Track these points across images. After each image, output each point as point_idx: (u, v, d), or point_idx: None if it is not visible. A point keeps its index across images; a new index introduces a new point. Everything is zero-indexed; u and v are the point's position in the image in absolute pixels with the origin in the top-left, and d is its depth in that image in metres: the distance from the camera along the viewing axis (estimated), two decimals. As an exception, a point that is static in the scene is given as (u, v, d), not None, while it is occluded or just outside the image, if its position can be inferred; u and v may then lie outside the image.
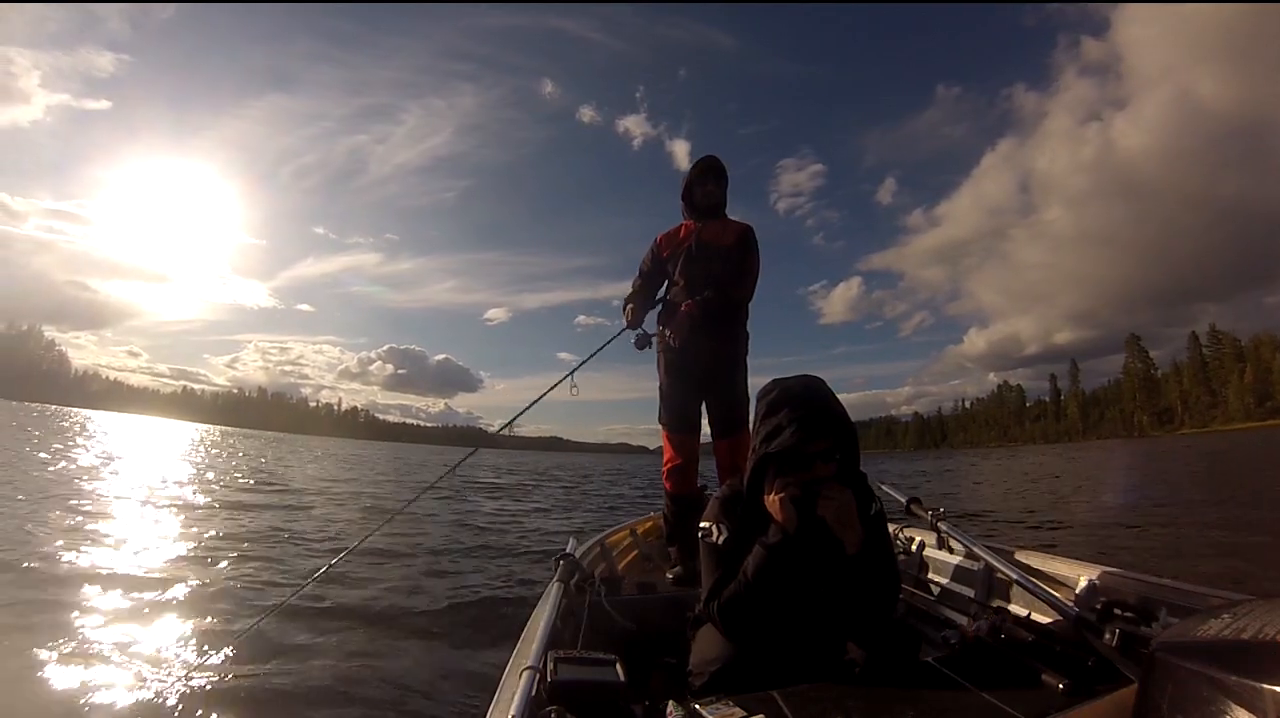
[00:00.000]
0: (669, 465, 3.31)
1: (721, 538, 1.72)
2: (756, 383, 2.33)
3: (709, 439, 3.38)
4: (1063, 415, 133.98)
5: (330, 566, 2.73)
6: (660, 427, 3.39)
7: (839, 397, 1.70)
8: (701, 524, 1.80)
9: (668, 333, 3.29)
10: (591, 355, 3.63)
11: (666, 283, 3.48)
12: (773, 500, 1.64)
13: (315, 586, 4.59)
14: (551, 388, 3.53)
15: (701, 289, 3.20)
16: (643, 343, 3.43)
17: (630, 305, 3.45)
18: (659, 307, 3.50)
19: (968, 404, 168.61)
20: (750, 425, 1.80)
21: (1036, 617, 1.85)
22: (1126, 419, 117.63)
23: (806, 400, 1.66)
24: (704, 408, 3.35)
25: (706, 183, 3.36)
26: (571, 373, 3.50)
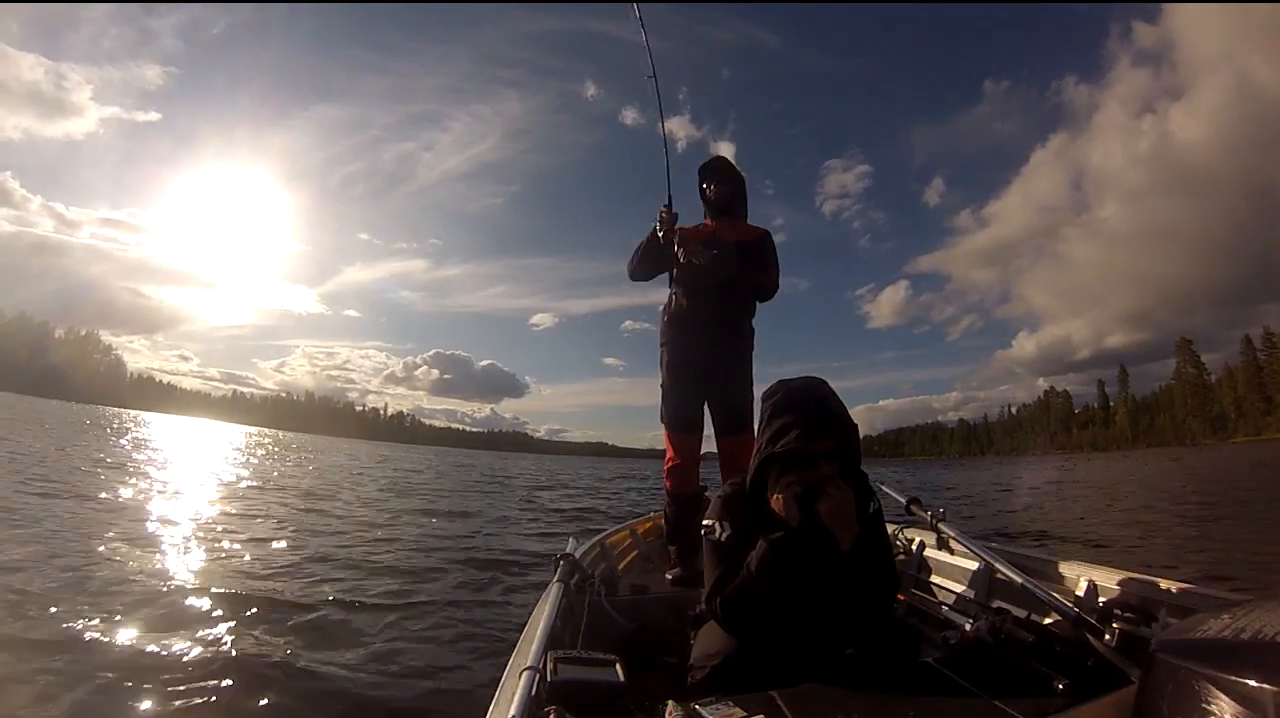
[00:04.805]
0: (669, 465, 3.32)
1: (724, 535, 1.75)
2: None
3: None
4: (1111, 422, 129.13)
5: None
6: (662, 426, 3.37)
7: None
8: (704, 522, 1.83)
9: (676, 294, 3.31)
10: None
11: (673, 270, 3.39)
12: (777, 498, 1.67)
13: (313, 586, 4.69)
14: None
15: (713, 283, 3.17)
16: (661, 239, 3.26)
17: (639, 255, 3.38)
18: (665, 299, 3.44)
19: (1014, 410, 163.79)
20: (755, 426, 1.81)
21: (1036, 617, 1.81)
22: (1178, 426, 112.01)
23: (812, 401, 1.71)
24: (707, 408, 3.32)
25: (712, 180, 3.36)
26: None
